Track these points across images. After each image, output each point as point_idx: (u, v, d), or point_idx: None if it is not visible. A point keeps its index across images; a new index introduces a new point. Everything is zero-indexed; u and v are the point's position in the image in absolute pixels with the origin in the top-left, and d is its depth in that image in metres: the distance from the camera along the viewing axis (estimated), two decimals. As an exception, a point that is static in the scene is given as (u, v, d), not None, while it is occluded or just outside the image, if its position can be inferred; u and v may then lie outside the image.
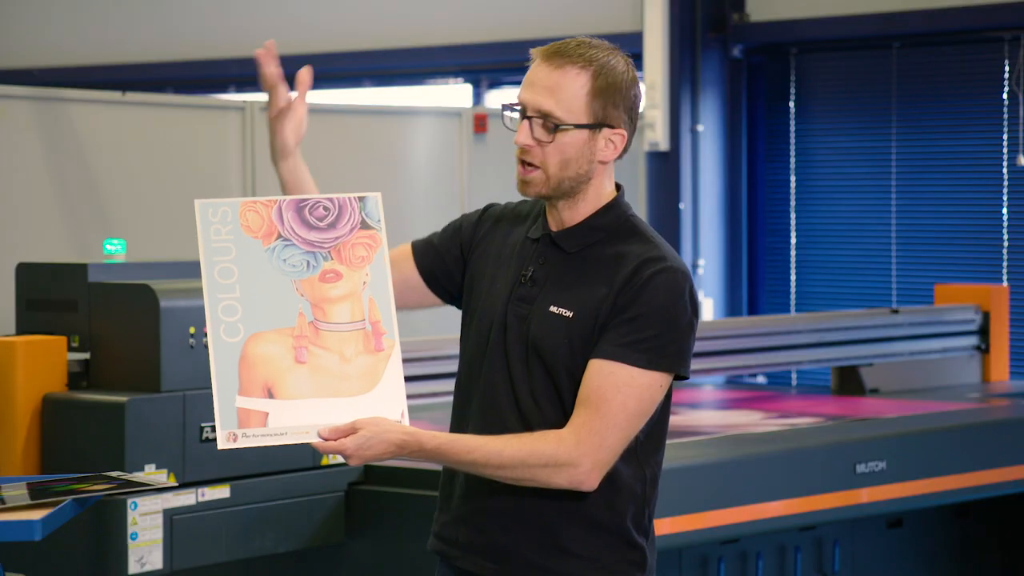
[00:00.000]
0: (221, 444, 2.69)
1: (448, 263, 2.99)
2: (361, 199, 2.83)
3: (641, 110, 8.76)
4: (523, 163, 2.84)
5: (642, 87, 8.65)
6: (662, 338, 2.76)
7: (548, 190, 2.84)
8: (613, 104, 2.83)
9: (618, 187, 2.92)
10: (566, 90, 2.80)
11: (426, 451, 2.73)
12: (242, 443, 2.69)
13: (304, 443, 2.74)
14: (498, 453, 2.73)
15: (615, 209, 2.88)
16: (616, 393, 2.74)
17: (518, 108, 2.83)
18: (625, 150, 2.88)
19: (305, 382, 2.73)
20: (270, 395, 2.72)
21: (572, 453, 2.73)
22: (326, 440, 2.70)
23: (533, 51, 2.85)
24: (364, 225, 2.82)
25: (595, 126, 2.82)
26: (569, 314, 2.80)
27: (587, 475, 2.74)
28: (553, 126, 2.79)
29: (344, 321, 2.78)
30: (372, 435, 2.68)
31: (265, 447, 2.75)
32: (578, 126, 2.80)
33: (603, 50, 2.83)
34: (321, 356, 2.75)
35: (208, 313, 2.72)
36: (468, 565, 2.89)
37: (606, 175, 2.88)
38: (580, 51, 2.81)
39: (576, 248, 2.86)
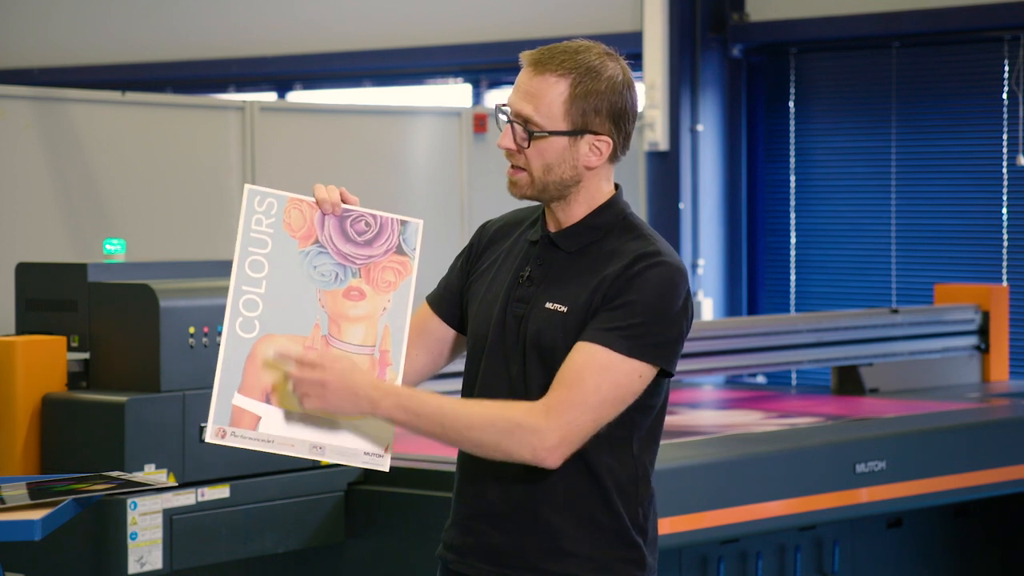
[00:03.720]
0: (209, 437, 2.70)
1: (463, 298, 3.00)
2: (403, 223, 2.81)
3: (641, 110, 8.79)
4: (511, 164, 2.86)
5: (641, 88, 8.65)
6: (647, 327, 2.75)
7: (533, 192, 2.85)
8: (595, 111, 2.81)
9: (616, 187, 2.92)
10: (544, 97, 2.80)
11: (399, 394, 2.72)
12: (229, 441, 2.70)
13: (286, 455, 2.74)
14: (467, 412, 2.73)
15: (612, 208, 2.88)
16: (592, 375, 2.73)
17: (507, 111, 2.85)
18: (619, 153, 2.87)
19: None
20: (268, 400, 2.72)
21: (540, 422, 2.72)
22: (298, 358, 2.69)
23: (521, 56, 2.86)
24: (399, 250, 2.80)
25: (574, 133, 2.81)
26: (564, 309, 2.81)
27: (550, 450, 2.72)
28: (530, 132, 2.81)
29: (356, 343, 2.76)
30: (344, 368, 2.68)
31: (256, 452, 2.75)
32: (554, 133, 2.80)
33: (592, 55, 2.83)
34: None
35: (229, 304, 2.71)
36: (464, 569, 2.88)
37: (601, 177, 2.87)
38: (562, 58, 2.81)
39: (575, 248, 2.86)
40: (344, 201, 2.79)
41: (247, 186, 2.76)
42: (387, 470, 2.81)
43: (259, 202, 2.75)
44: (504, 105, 2.86)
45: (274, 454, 2.75)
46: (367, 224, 2.79)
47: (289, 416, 2.72)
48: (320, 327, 2.75)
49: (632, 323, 2.75)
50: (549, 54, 2.82)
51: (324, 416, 2.73)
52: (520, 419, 2.72)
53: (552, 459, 2.73)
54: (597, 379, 2.73)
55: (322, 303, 2.75)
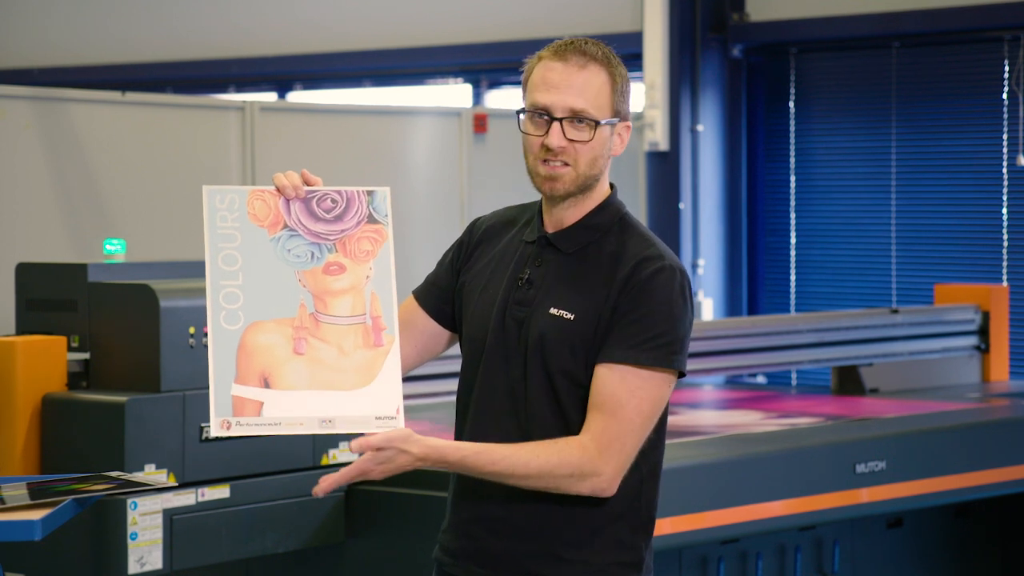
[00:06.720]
0: (214, 431, 2.69)
1: (453, 295, 2.98)
2: (370, 193, 2.84)
3: (641, 110, 8.81)
4: (548, 161, 2.82)
5: (641, 88, 8.65)
6: (666, 336, 2.78)
7: (575, 187, 2.84)
8: (624, 99, 2.85)
9: (611, 185, 2.93)
10: (593, 88, 2.80)
11: (450, 463, 2.72)
12: (235, 431, 2.69)
13: (297, 435, 2.74)
14: (524, 464, 2.72)
15: (609, 207, 2.89)
16: (630, 397, 2.75)
17: (542, 114, 2.80)
18: None
19: (302, 373, 2.72)
20: (266, 384, 2.71)
21: (596, 462, 2.73)
22: (354, 451, 2.68)
23: (544, 52, 2.83)
24: (371, 219, 2.82)
25: (614, 121, 2.84)
26: (570, 316, 2.80)
27: (609, 482, 2.76)
28: (594, 123, 2.79)
29: (345, 315, 2.77)
30: (393, 452, 2.66)
31: (264, 439, 2.75)
32: (607, 122, 2.81)
33: (605, 46, 2.85)
34: (320, 348, 2.75)
35: (209, 300, 2.72)
36: (460, 573, 2.88)
37: (607, 171, 2.90)
38: (594, 50, 2.82)
39: (573, 249, 2.86)
40: (307, 183, 2.81)
41: (205, 187, 2.78)
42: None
43: (220, 199, 2.77)
44: (537, 110, 2.80)
45: (281, 440, 2.75)
46: (333, 201, 2.81)
47: (292, 396, 2.71)
48: (306, 306, 2.75)
49: (652, 335, 2.77)
50: (582, 46, 2.81)
51: (326, 391, 2.73)
52: (577, 464, 2.73)
53: (611, 490, 2.77)
54: (636, 400, 2.75)
55: (303, 283, 2.76)
